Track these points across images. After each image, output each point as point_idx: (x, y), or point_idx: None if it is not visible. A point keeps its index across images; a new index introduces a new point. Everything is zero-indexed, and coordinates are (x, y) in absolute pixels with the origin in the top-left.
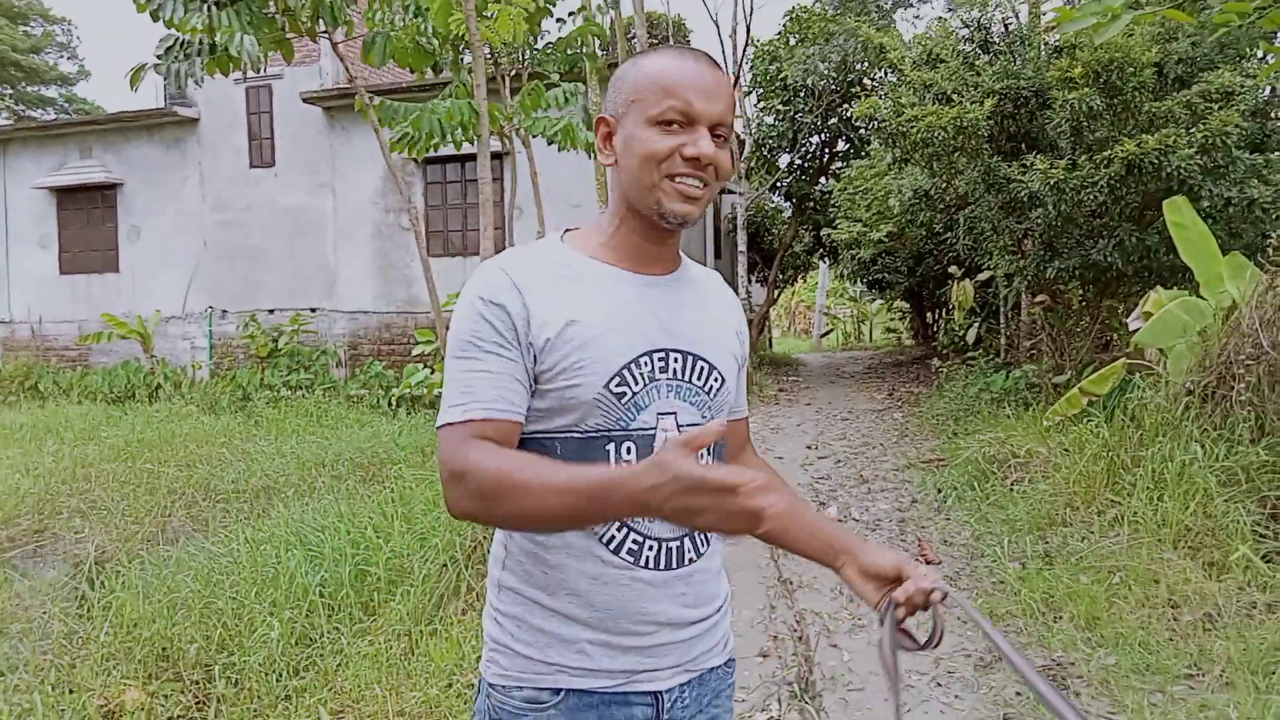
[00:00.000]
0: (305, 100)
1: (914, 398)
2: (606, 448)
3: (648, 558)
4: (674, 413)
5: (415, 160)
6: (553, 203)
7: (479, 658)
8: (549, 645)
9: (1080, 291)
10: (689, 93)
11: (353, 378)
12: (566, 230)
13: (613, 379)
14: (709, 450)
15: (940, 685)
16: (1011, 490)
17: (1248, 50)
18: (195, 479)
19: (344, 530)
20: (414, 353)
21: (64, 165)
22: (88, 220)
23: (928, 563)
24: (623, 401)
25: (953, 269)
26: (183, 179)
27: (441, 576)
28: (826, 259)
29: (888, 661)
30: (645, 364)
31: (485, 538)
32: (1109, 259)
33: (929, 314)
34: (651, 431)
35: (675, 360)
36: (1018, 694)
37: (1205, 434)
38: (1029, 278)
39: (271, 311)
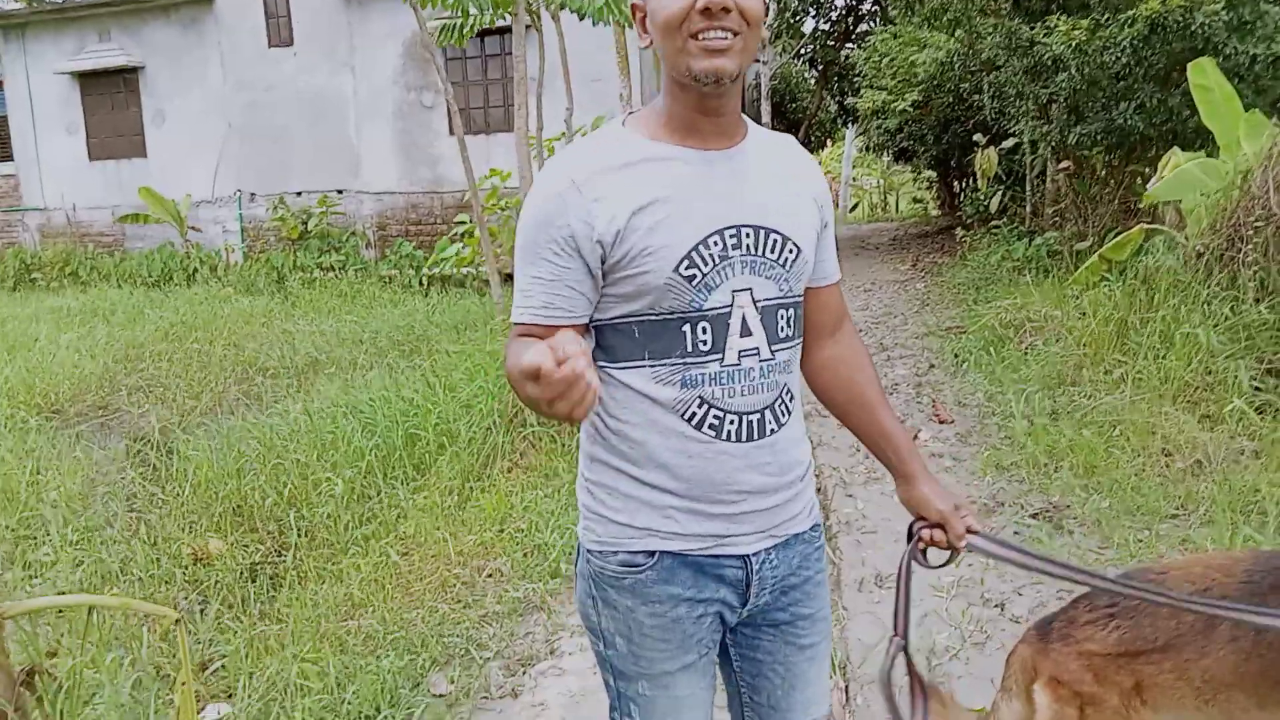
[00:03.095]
0: None
1: (937, 268)
2: (683, 329)
3: (729, 431)
4: (749, 289)
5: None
6: (576, 78)
7: (526, 507)
8: (638, 510)
9: (1105, 157)
10: None
11: (383, 258)
12: (630, 113)
13: (681, 262)
14: (788, 322)
15: None
16: (1025, 354)
17: None
18: (243, 357)
19: (392, 400)
20: (454, 233)
21: (83, 49)
22: (112, 105)
23: (941, 422)
24: (693, 284)
25: (977, 137)
26: (203, 60)
27: (486, 439)
28: (852, 124)
29: (900, 580)
30: (715, 243)
31: (523, 406)
32: (1131, 122)
33: (955, 183)
34: (727, 309)
35: (747, 236)
36: (1016, 533)
37: (1214, 295)
38: (1054, 144)
39: (299, 194)
